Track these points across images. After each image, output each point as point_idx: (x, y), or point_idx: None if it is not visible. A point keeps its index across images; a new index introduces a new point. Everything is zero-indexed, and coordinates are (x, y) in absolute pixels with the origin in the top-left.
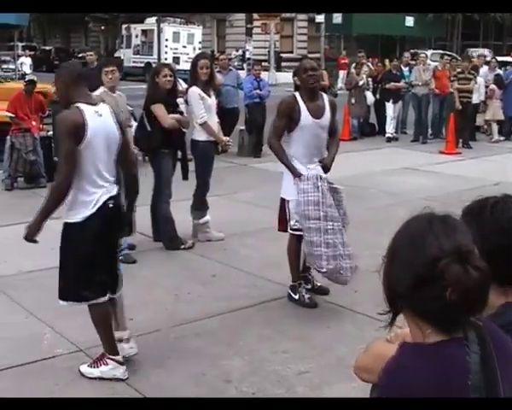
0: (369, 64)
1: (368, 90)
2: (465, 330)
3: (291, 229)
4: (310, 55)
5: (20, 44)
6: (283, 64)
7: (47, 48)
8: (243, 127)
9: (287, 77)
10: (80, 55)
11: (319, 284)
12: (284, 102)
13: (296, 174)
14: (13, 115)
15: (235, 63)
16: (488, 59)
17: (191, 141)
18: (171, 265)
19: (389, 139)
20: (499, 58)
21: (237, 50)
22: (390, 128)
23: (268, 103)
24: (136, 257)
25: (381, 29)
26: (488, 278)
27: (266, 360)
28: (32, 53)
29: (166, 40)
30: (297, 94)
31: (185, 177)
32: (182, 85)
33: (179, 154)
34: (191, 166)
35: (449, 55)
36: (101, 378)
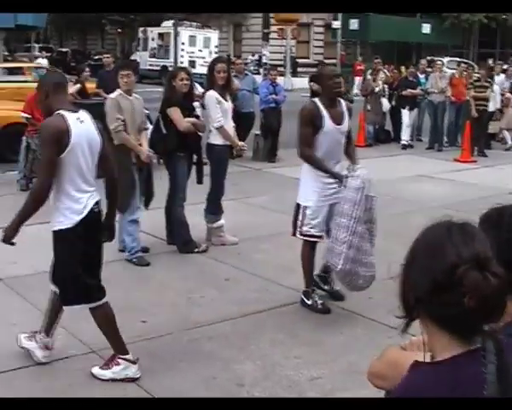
0: (385, 71)
1: (383, 96)
2: (483, 340)
3: (301, 234)
4: (326, 61)
5: (37, 46)
6: (299, 69)
7: (63, 50)
8: (258, 132)
9: (302, 82)
10: (97, 57)
11: (337, 289)
12: (306, 109)
13: (340, 178)
14: (29, 116)
15: (251, 68)
16: (505, 67)
17: (207, 145)
18: (184, 268)
19: (404, 146)
20: None
21: (253, 55)
22: (405, 135)
23: (284, 108)
24: (149, 260)
25: (397, 36)
26: (506, 285)
27: (278, 364)
28: (49, 54)
29: (183, 44)
30: (317, 100)
31: (200, 181)
32: (198, 89)
33: (195, 157)
34: (206, 169)
35: (465, 63)
36: (113, 380)
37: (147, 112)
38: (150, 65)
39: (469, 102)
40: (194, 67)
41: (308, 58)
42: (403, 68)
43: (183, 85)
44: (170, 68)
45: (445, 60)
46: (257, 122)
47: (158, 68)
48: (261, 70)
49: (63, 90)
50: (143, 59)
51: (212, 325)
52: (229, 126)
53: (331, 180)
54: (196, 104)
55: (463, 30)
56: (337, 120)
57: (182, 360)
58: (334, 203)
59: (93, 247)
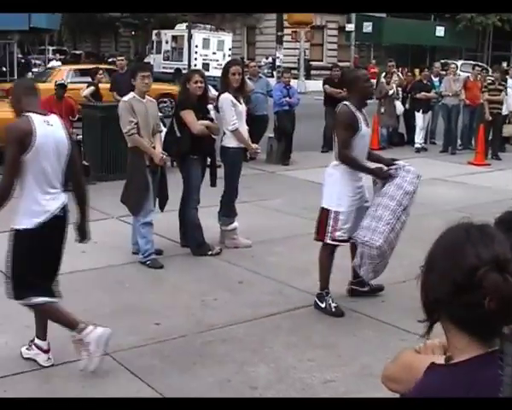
0: (399, 73)
1: (397, 99)
2: (501, 343)
3: (333, 240)
4: (340, 64)
5: (51, 48)
6: (313, 72)
7: (77, 52)
8: (272, 135)
9: (316, 85)
10: (110, 60)
11: (374, 284)
12: (345, 112)
13: (382, 175)
14: None
15: (265, 70)
16: None
17: (221, 147)
18: (198, 271)
19: (418, 149)
20: None
21: (267, 58)
22: (419, 138)
23: (297, 111)
24: (163, 262)
25: (411, 39)
26: None
27: (292, 367)
28: (63, 57)
29: (196, 46)
30: (349, 103)
31: (213, 183)
32: (212, 92)
33: (208, 160)
34: (219, 172)
35: (479, 66)
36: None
37: (160, 115)
38: (164, 67)
39: (483, 106)
40: (207, 69)
41: (322, 61)
42: (417, 71)
43: (197, 88)
44: (183, 71)
45: (459, 63)
46: (270, 125)
47: (171, 71)
48: (275, 73)
49: (34, 93)
50: (157, 61)
51: (226, 328)
52: (243, 129)
53: (361, 183)
54: (210, 107)
55: (477, 33)
56: (366, 121)
57: (195, 362)
58: (360, 207)
59: (50, 252)
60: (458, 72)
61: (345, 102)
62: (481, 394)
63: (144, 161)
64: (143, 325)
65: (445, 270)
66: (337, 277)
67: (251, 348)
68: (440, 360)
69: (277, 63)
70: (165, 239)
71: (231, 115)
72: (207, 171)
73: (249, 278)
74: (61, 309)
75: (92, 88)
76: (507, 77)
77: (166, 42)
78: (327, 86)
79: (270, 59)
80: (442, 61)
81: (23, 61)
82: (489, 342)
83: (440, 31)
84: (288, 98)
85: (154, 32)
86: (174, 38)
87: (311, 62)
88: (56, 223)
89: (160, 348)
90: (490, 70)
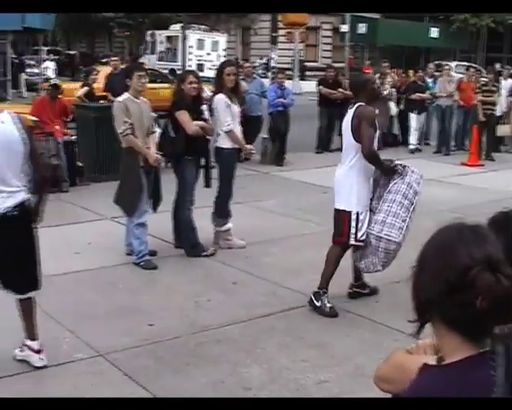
0: (393, 74)
1: (391, 100)
2: (493, 343)
3: (357, 241)
4: (334, 65)
5: (45, 49)
6: (307, 73)
7: (71, 52)
8: (266, 135)
9: (311, 86)
10: (105, 61)
11: (371, 286)
12: (369, 111)
13: (397, 171)
14: (36, 119)
15: (259, 71)
16: None
17: (215, 148)
18: (192, 271)
19: (412, 150)
20: None
21: (261, 58)
22: (413, 139)
23: (292, 112)
24: (157, 263)
25: (405, 40)
26: None
27: (286, 368)
28: (57, 57)
29: (191, 47)
30: (363, 104)
31: (208, 184)
32: (207, 92)
33: (202, 161)
34: (213, 173)
35: (473, 68)
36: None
37: (154, 115)
38: (158, 68)
39: (477, 107)
40: (202, 70)
41: (316, 62)
42: (411, 72)
43: (191, 89)
44: (178, 72)
45: (453, 64)
46: (265, 126)
47: (166, 72)
48: (269, 74)
49: None
50: (151, 62)
51: (220, 329)
52: (237, 130)
53: (371, 182)
54: (204, 107)
55: (471, 34)
56: None
57: (189, 363)
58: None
59: (10, 246)
60: (452, 73)
61: (361, 104)
62: (474, 394)
63: (138, 162)
64: (137, 326)
65: (436, 270)
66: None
67: (244, 348)
68: (432, 360)
69: (272, 64)
70: (159, 240)
71: (226, 116)
72: (201, 172)
73: (243, 279)
74: None
75: (86, 88)
76: (500, 78)
77: (161, 42)
78: (321, 87)
79: (264, 60)
80: (436, 62)
81: (17, 61)
82: (480, 342)
83: (434, 32)
84: (282, 99)
85: (149, 32)
86: (168, 38)
87: (306, 63)
88: (6, 224)
89: (154, 349)
90: (484, 71)
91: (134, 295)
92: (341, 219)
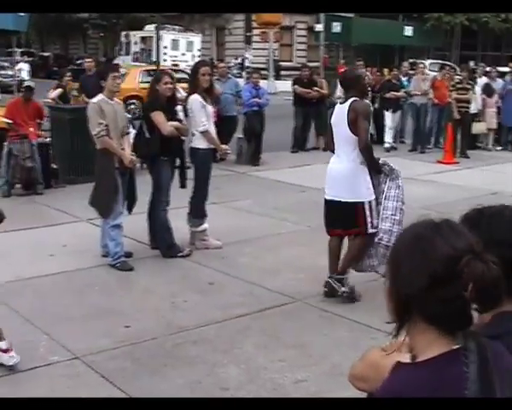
0: (368, 73)
1: (366, 99)
2: (465, 340)
3: (373, 227)
4: (309, 64)
5: (19, 50)
6: (282, 72)
7: (45, 54)
8: (242, 135)
9: (286, 85)
10: (79, 62)
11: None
12: (364, 105)
13: (385, 172)
14: (10, 121)
15: (234, 71)
16: (487, 69)
17: (191, 149)
18: (168, 272)
19: (388, 149)
20: (500, 68)
21: (236, 58)
22: (388, 137)
23: (267, 112)
24: (133, 264)
25: (379, 38)
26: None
27: (263, 368)
28: (31, 59)
29: (165, 47)
30: (357, 98)
31: (183, 185)
32: (181, 93)
33: (178, 161)
34: (189, 173)
35: (447, 65)
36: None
37: (128, 116)
38: None
39: (451, 105)
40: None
41: (291, 61)
42: (385, 71)
43: (166, 89)
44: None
45: (427, 62)
46: (240, 126)
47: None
48: (244, 73)
49: None
50: (126, 63)
51: (196, 330)
52: (212, 130)
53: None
54: (178, 108)
55: (445, 32)
56: None
57: (166, 364)
58: None
59: None
60: (427, 71)
61: (355, 98)
62: (447, 391)
63: (113, 163)
64: (113, 327)
65: (416, 264)
66: (308, 275)
67: (221, 349)
68: (406, 358)
69: (246, 64)
70: (135, 241)
71: (201, 116)
72: (176, 172)
73: (220, 280)
74: None
75: (60, 90)
76: (475, 76)
77: (135, 43)
78: (296, 86)
79: (239, 60)
80: (410, 60)
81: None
82: (455, 337)
83: (409, 30)
84: (257, 99)
85: (123, 33)
86: (143, 39)
87: (281, 63)
88: None
89: (131, 350)
90: (458, 69)
91: (110, 297)
92: (356, 211)
